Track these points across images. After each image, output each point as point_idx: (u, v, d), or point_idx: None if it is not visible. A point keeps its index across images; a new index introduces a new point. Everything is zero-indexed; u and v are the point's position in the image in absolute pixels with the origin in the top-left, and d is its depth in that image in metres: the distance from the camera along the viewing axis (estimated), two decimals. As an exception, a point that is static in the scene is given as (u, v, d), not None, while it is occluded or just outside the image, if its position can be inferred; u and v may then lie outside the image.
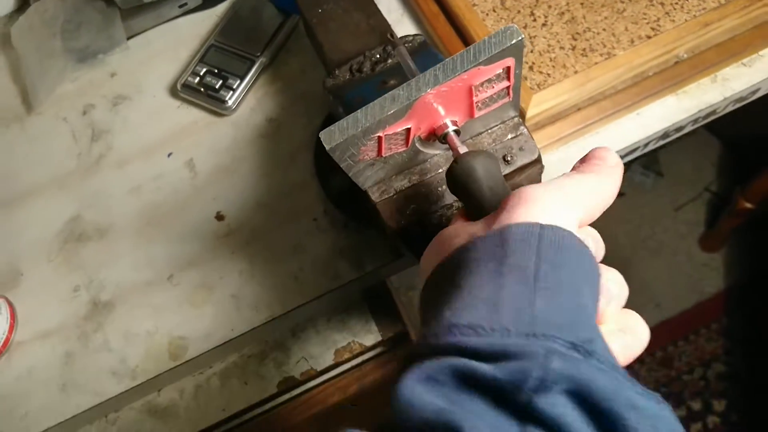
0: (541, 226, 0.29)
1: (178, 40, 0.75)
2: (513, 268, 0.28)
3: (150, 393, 0.62)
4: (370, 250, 0.61)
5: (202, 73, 0.70)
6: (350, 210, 0.61)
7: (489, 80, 0.37)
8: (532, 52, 0.63)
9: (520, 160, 0.41)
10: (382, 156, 0.39)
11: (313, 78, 0.70)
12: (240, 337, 0.60)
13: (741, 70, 0.62)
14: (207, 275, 0.62)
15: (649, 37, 0.61)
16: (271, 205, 0.64)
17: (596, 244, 0.33)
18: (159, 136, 0.70)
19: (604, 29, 0.62)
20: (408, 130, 0.38)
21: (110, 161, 0.70)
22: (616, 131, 0.62)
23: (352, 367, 0.63)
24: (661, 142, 0.64)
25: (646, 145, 0.63)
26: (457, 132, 0.38)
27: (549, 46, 0.63)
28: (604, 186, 0.33)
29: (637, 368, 1.40)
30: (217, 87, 0.68)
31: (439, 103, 0.37)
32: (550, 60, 0.62)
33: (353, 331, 0.62)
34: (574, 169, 0.35)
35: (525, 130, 0.42)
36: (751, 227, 1.43)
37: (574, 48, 0.62)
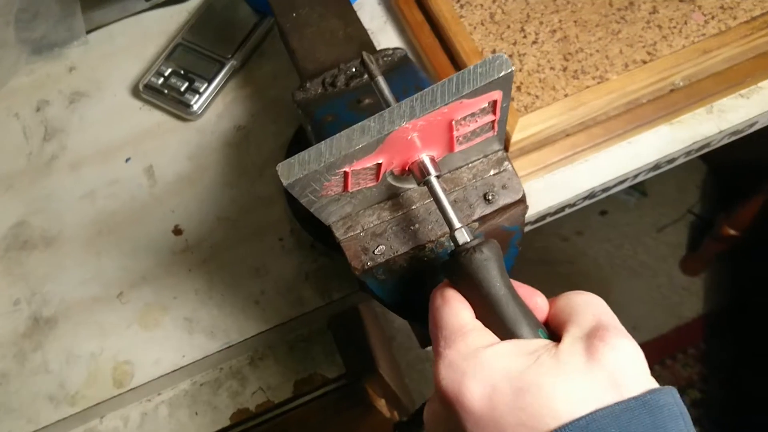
0: (672, 394, 0.28)
1: (143, 36, 0.70)
2: None
3: (91, 420, 0.57)
4: (338, 276, 0.56)
5: (166, 74, 0.65)
6: (318, 231, 0.57)
7: (472, 114, 0.33)
8: (520, 71, 0.59)
9: (503, 200, 0.37)
10: (348, 191, 0.34)
11: (287, 84, 0.65)
12: (192, 364, 0.55)
13: (738, 101, 0.59)
14: (160, 294, 0.58)
15: (644, 62, 0.57)
16: (234, 220, 0.60)
17: None
18: (117, 138, 0.65)
19: (597, 50, 0.59)
20: (379, 165, 0.33)
21: (63, 163, 0.65)
22: (606, 160, 0.58)
23: (313, 399, 0.59)
24: (651, 174, 0.61)
25: (636, 176, 0.59)
26: (438, 177, 0.34)
27: (539, 65, 0.59)
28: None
29: (611, 390, 1.37)
30: (182, 89, 0.64)
31: (414, 137, 0.32)
32: (539, 81, 0.58)
33: (316, 361, 0.57)
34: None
35: (509, 165, 0.38)
36: (734, 253, 1.41)
37: (565, 69, 0.58)
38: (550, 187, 0.58)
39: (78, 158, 0.65)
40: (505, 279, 0.31)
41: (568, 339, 0.30)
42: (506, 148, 0.56)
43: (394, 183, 0.36)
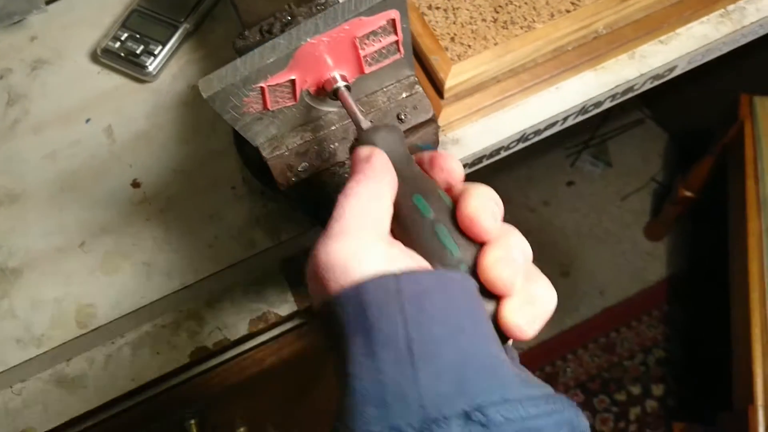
0: (396, 278, 0.27)
1: (101, 5, 0.73)
2: (384, 345, 0.26)
3: (59, 363, 0.60)
4: (287, 220, 0.60)
5: (123, 38, 0.68)
6: (267, 178, 0.60)
7: (374, 33, 0.37)
8: (454, 23, 0.62)
9: (414, 119, 0.41)
10: (269, 109, 0.38)
11: (239, 47, 0.69)
12: (151, 305, 0.58)
13: (658, 47, 0.63)
14: (120, 242, 0.61)
15: (568, 12, 0.61)
16: (189, 172, 0.63)
17: (490, 205, 0.31)
18: (78, 101, 0.68)
19: (525, 3, 0.63)
20: (293, 81, 0.37)
21: (26, 126, 0.68)
22: (535, 104, 0.62)
23: (269, 339, 0.63)
24: (580, 118, 0.65)
25: (565, 119, 0.63)
26: (348, 88, 0.38)
27: (471, 18, 0.63)
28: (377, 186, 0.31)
29: (580, 354, 1.42)
30: (138, 52, 0.67)
31: (324, 54, 0.36)
32: (472, 32, 0.62)
33: (269, 301, 0.61)
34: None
35: (419, 89, 0.41)
36: (693, 216, 1.46)
37: (495, 20, 0.62)
38: (484, 131, 0.61)
39: (40, 122, 0.68)
40: (403, 148, 0.34)
41: None
42: (441, 95, 0.60)
43: (313, 104, 0.40)
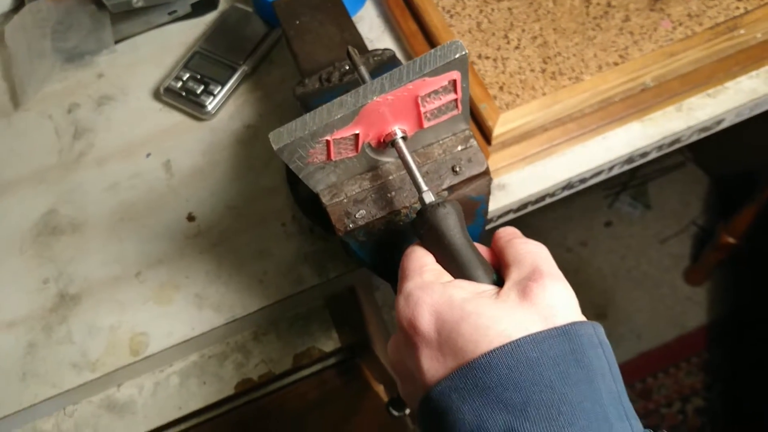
0: (594, 327, 0.32)
1: (164, 47, 0.77)
2: (599, 378, 0.31)
3: (110, 387, 0.63)
4: (334, 258, 0.62)
5: (185, 78, 0.71)
6: (317, 217, 0.63)
7: (435, 92, 0.38)
8: (503, 73, 0.64)
9: (469, 171, 0.43)
10: (331, 160, 0.40)
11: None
12: (200, 336, 0.60)
13: (705, 100, 0.64)
14: (174, 274, 0.63)
15: (616, 64, 0.63)
16: (242, 208, 0.66)
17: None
18: (139, 136, 0.72)
19: (574, 54, 0.64)
20: (356, 135, 0.39)
21: (90, 159, 0.71)
22: (581, 153, 0.63)
23: (312, 374, 0.64)
24: (626, 167, 0.65)
25: (611, 168, 0.64)
26: (404, 139, 0.40)
27: (520, 68, 0.64)
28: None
29: (615, 398, 1.39)
30: (198, 92, 0.70)
31: (387, 111, 0.38)
32: (520, 81, 0.63)
33: (314, 336, 0.63)
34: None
35: (474, 142, 0.43)
36: (734, 262, 1.44)
37: (544, 71, 0.64)
38: (530, 178, 0.63)
39: (104, 155, 0.71)
40: (464, 232, 0.37)
41: (508, 282, 0.34)
42: (489, 142, 0.62)
43: (372, 155, 0.42)
